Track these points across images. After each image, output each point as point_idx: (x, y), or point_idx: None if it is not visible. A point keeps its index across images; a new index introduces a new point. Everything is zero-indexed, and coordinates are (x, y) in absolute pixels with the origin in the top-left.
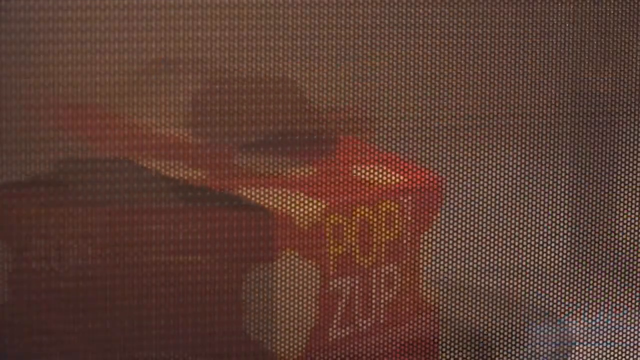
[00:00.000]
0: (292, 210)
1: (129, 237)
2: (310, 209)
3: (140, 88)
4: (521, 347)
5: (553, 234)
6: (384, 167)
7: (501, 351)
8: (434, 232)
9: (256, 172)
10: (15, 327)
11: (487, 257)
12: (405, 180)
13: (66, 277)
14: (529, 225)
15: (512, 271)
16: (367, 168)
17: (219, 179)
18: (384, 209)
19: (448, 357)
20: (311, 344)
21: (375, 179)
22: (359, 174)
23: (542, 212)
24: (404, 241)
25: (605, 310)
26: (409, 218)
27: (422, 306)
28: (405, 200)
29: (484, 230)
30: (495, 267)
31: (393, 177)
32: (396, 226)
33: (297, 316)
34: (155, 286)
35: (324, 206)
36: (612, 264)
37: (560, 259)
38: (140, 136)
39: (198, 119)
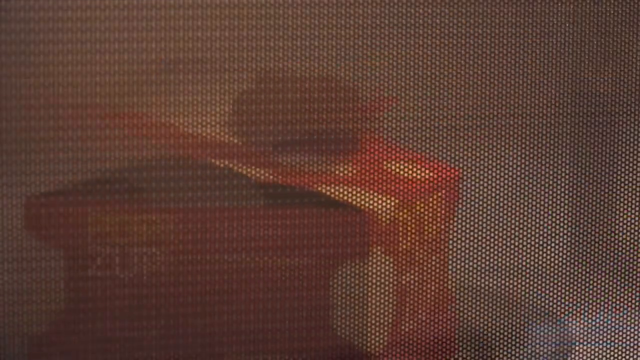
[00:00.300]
0: (377, 207)
1: (211, 240)
2: (388, 205)
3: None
4: (521, 347)
5: (553, 234)
6: (413, 163)
7: (501, 351)
8: (457, 226)
9: (309, 171)
10: (77, 336)
11: (487, 257)
12: (439, 174)
13: (132, 284)
14: (529, 225)
15: (512, 271)
16: (399, 165)
17: (292, 177)
18: (431, 204)
19: (448, 357)
20: (392, 339)
21: (415, 175)
22: (395, 170)
23: (542, 212)
24: (444, 234)
25: (605, 310)
26: (444, 211)
27: (450, 298)
28: (442, 194)
29: (484, 230)
30: (495, 267)
31: (428, 173)
32: (438, 220)
33: (384, 311)
34: (239, 287)
35: (395, 202)
36: (612, 264)
37: (560, 259)
38: (206, 135)
39: (242, 118)
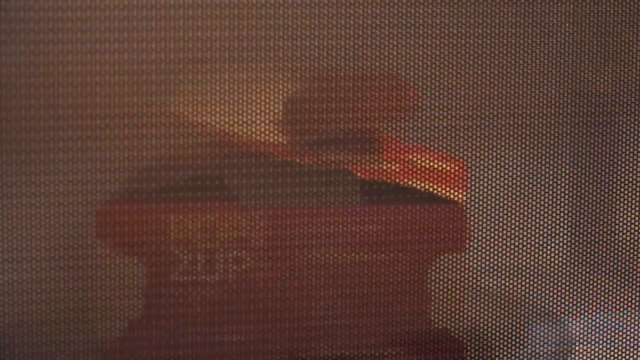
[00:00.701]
0: (463, 201)
1: (297, 239)
2: (462, 199)
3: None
4: (521, 347)
5: (553, 234)
6: (430, 157)
7: (501, 351)
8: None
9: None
10: (158, 342)
11: (487, 257)
12: (457, 167)
13: (219, 287)
14: (529, 225)
15: (512, 271)
16: (420, 157)
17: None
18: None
19: (449, 356)
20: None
21: (439, 167)
22: (421, 163)
23: (542, 212)
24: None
25: (605, 310)
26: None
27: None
28: (461, 186)
29: (484, 230)
30: (496, 267)
31: (448, 165)
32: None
33: (481, 303)
34: (328, 286)
35: (462, 195)
36: (612, 264)
37: (560, 259)
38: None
39: (295, 117)
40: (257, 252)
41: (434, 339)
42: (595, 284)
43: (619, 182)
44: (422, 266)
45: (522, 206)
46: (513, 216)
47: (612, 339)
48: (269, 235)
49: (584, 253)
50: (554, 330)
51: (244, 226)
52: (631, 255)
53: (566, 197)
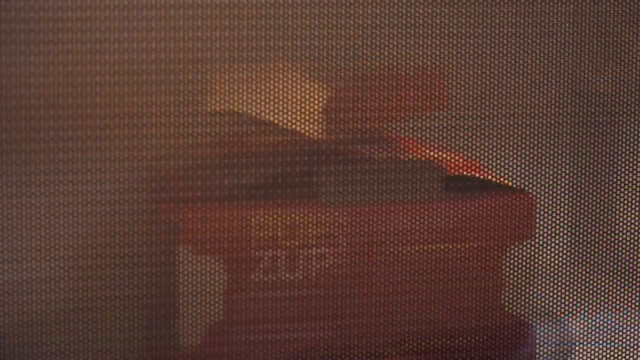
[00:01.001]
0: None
1: (379, 234)
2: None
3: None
4: (521, 347)
5: (553, 234)
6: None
7: (502, 351)
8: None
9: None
10: (241, 343)
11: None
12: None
13: (301, 286)
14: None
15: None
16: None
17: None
18: None
19: (449, 356)
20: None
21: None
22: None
23: (542, 212)
24: None
25: (605, 310)
26: None
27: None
28: None
29: None
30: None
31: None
32: None
33: (550, 289)
34: (411, 281)
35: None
36: (612, 264)
37: (560, 259)
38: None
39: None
40: (339, 248)
41: (508, 326)
42: (595, 284)
43: (619, 182)
44: (499, 254)
45: None
46: None
47: (612, 339)
48: (349, 232)
49: (584, 253)
50: (554, 330)
51: (325, 224)
52: (631, 255)
53: (566, 197)
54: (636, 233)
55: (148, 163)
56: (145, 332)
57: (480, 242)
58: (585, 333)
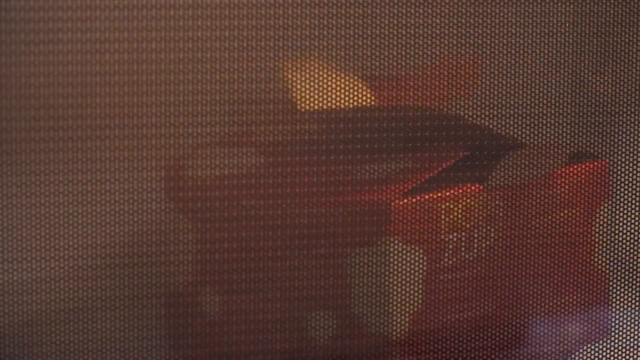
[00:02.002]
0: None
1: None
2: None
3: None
4: (521, 347)
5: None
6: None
7: (501, 351)
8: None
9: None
10: (440, 331)
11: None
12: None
13: (478, 265)
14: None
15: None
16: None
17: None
18: None
19: (449, 356)
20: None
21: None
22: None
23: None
24: None
25: (606, 310)
26: None
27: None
28: None
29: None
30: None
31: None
32: None
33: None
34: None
35: None
36: (612, 264)
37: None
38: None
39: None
40: (499, 227)
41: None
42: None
43: (619, 182)
44: (592, 220)
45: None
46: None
47: (612, 339)
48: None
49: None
50: (554, 330)
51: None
52: (631, 255)
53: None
54: (636, 233)
55: (157, 163)
56: (155, 332)
57: (581, 207)
58: (586, 333)
